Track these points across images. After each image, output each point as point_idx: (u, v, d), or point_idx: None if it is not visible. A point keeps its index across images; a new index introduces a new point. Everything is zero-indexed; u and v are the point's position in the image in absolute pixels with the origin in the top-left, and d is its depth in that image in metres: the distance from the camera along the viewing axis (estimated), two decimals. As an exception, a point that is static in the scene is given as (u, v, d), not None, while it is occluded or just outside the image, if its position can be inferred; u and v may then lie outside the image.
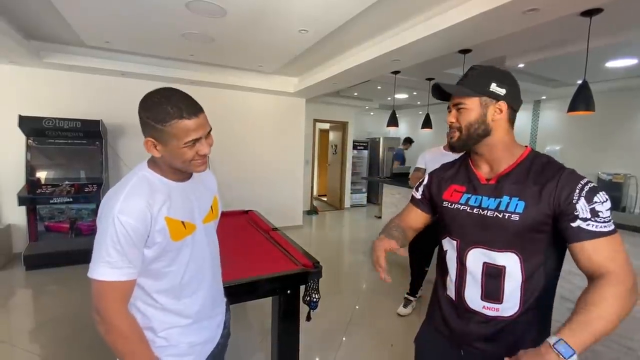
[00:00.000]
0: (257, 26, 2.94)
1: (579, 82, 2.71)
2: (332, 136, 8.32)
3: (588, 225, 0.79)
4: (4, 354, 2.27)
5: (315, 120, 7.09)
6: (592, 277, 0.80)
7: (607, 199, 0.81)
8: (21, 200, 3.52)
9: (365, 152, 8.28)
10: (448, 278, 1.01)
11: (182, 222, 0.94)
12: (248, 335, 2.55)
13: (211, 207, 1.09)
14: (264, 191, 5.52)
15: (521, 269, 0.87)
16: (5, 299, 3.08)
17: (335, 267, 4.10)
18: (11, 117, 3.63)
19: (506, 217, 0.87)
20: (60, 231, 3.78)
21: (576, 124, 5.74)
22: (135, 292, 0.91)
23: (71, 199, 3.72)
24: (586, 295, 0.76)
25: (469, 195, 0.97)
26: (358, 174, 8.07)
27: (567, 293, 2.18)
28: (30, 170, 3.69)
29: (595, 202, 0.79)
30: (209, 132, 0.92)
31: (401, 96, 6.86)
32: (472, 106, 0.91)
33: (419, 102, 7.67)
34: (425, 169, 2.82)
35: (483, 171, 0.97)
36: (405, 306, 2.96)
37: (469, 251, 0.94)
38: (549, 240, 0.86)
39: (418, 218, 1.15)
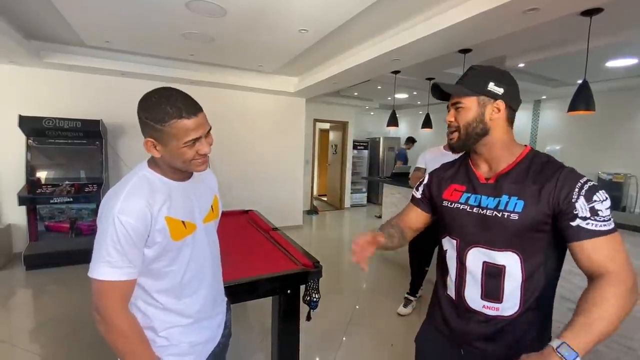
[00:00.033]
0: (257, 26, 2.94)
1: (579, 81, 2.71)
2: (332, 136, 8.32)
3: (588, 224, 0.79)
4: (4, 353, 2.27)
5: (316, 120, 7.09)
6: (592, 277, 0.80)
7: (606, 198, 0.81)
8: (21, 200, 3.52)
9: (366, 152, 8.28)
10: (448, 277, 1.01)
11: (183, 222, 0.94)
12: (248, 335, 2.55)
13: (212, 206, 1.09)
14: (264, 191, 5.52)
15: (521, 268, 0.87)
16: (5, 298, 3.08)
17: (336, 267, 4.10)
18: (11, 117, 3.63)
19: (505, 216, 0.87)
20: (61, 231, 3.78)
21: (576, 124, 5.74)
22: (136, 292, 0.91)
23: (71, 199, 3.72)
24: (587, 295, 0.76)
25: (469, 195, 0.97)
26: (358, 174, 8.07)
27: (567, 293, 2.18)
28: (30, 170, 3.69)
29: (595, 200, 0.79)
30: (208, 131, 0.92)
31: (401, 96, 6.86)
32: (470, 105, 0.92)
33: (419, 102, 7.67)
34: (425, 169, 2.82)
35: (482, 170, 0.97)
36: (405, 306, 2.96)
37: (468, 250, 0.94)
38: (549, 239, 0.86)
39: (418, 218, 1.15)
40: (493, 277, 0.90)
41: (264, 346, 2.38)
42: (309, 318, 1.76)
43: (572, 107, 2.68)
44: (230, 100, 5.14)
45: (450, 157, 1.13)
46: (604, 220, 0.79)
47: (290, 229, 5.40)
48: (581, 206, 0.79)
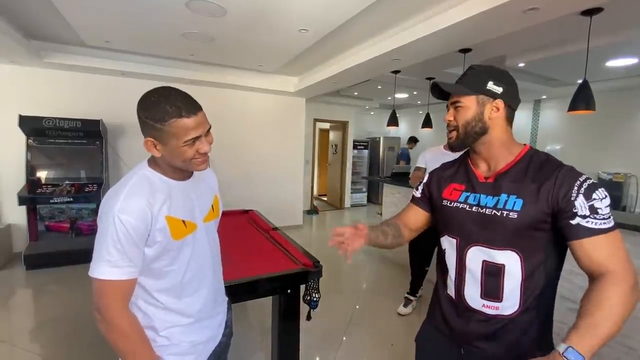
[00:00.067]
0: (257, 26, 2.94)
1: (579, 81, 2.71)
2: (332, 136, 8.32)
3: (587, 222, 0.79)
4: (4, 353, 2.28)
5: (316, 120, 7.09)
6: (593, 276, 0.80)
7: (606, 196, 0.80)
8: (21, 200, 3.52)
9: (366, 152, 8.28)
10: (448, 277, 1.01)
11: (183, 221, 0.94)
12: (248, 334, 2.55)
13: (212, 206, 1.09)
14: (264, 191, 5.52)
15: (521, 267, 0.87)
16: (5, 298, 3.08)
17: (336, 267, 4.10)
18: (11, 116, 3.63)
19: (504, 214, 0.87)
20: (61, 231, 3.78)
21: (576, 124, 5.73)
22: (137, 291, 0.91)
23: (71, 199, 3.72)
24: (590, 296, 0.76)
25: (468, 194, 0.97)
26: (358, 174, 8.07)
27: (567, 293, 2.18)
28: (30, 169, 3.70)
29: (594, 198, 0.79)
30: (208, 130, 0.92)
31: (401, 95, 6.86)
32: (469, 104, 0.92)
33: (419, 102, 7.67)
34: (425, 168, 2.82)
35: (481, 170, 0.98)
36: (405, 306, 2.96)
37: (468, 249, 0.94)
38: (548, 238, 0.86)
39: (417, 217, 1.15)
40: (492, 276, 0.90)
41: (264, 346, 2.38)
42: (309, 318, 1.76)
43: (572, 107, 2.68)
44: (230, 100, 5.14)
45: (451, 156, 1.13)
46: (603, 218, 0.79)
47: (291, 229, 5.40)
48: (580, 204, 0.79)
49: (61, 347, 2.33)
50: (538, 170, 0.87)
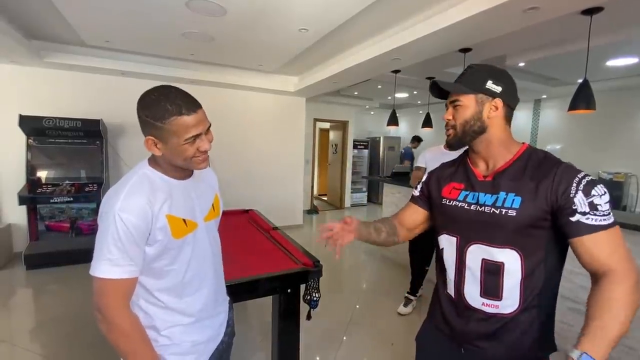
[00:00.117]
0: (257, 25, 2.94)
1: (580, 80, 2.71)
2: (333, 135, 8.32)
3: (588, 219, 0.79)
4: (5, 353, 2.28)
5: (316, 120, 7.09)
6: (596, 275, 0.80)
7: (605, 192, 0.80)
8: (22, 200, 3.52)
9: (366, 152, 8.28)
10: (447, 276, 1.02)
11: (184, 220, 0.94)
12: (248, 334, 2.56)
13: (212, 205, 1.09)
14: (264, 190, 5.52)
15: (521, 265, 0.87)
16: (5, 298, 3.08)
17: (336, 266, 4.10)
18: (12, 116, 3.64)
19: (503, 212, 0.87)
20: (61, 230, 3.78)
21: (577, 123, 5.73)
22: (138, 291, 0.91)
23: (71, 199, 3.73)
24: (596, 298, 0.76)
25: (467, 193, 0.97)
26: (358, 173, 8.07)
27: (567, 292, 2.18)
28: (30, 169, 3.70)
29: (594, 195, 0.79)
30: (208, 128, 0.92)
31: (401, 95, 6.85)
32: (468, 103, 0.92)
33: (419, 101, 7.67)
34: (425, 168, 2.82)
35: (480, 168, 0.98)
36: (405, 305, 2.96)
37: (468, 248, 0.94)
38: (548, 236, 0.86)
39: (415, 215, 1.16)
40: (492, 274, 0.90)
41: (264, 345, 2.38)
42: (309, 317, 1.76)
43: (573, 106, 2.68)
44: (231, 100, 5.14)
45: (451, 156, 1.13)
46: (603, 215, 0.78)
47: (291, 229, 5.40)
48: (580, 201, 0.79)
49: (61, 347, 2.33)
50: (536, 168, 0.87)
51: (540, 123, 6.39)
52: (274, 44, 3.48)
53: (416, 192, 1.17)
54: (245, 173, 5.35)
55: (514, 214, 0.85)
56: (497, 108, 0.91)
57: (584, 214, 0.79)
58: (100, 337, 0.89)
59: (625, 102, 5.18)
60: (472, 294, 0.94)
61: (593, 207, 0.79)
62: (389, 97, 7.04)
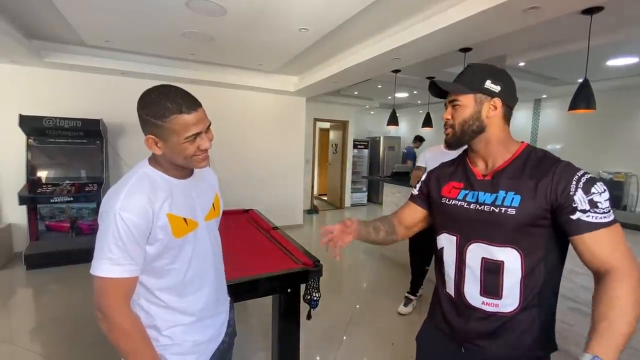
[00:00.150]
0: (257, 25, 2.94)
1: (580, 80, 2.71)
2: (333, 135, 8.32)
3: (588, 216, 0.78)
4: (5, 353, 2.28)
5: (316, 119, 7.09)
6: (598, 273, 0.80)
7: (605, 190, 0.80)
8: (22, 200, 3.52)
9: (366, 151, 8.28)
10: (447, 275, 1.02)
11: (184, 219, 0.94)
12: (248, 334, 2.56)
13: (213, 204, 1.10)
14: (264, 190, 5.52)
15: (521, 264, 0.87)
16: (6, 298, 3.08)
17: (336, 266, 4.10)
18: (12, 116, 3.64)
19: (502, 211, 0.87)
20: (61, 230, 3.78)
21: (577, 123, 5.73)
22: (139, 290, 0.92)
23: (72, 198, 3.73)
24: (600, 298, 0.75)
25: (466, 192, 0.98)
26: (358, 173, 8.07)
27: (568, 292, 2.18)
28: (30, 169, 3.70)
29: (593, 192, 0.79)
30: (208, 127, 0.92)
31: (402, 95, 6.85)
32: (467, 103, 0.93)
33: (419, 101, 7.66)
34: (425, 168, 2.82)
35: (479, 168, 0.98)
36: (405, 305, 2.96)
37: (468, 246, 0.95)
38: (548, 235, 0.86)
39: (413, 214, 1.16)
40: (492, 273, 0.90)
41: (264, 345, 2.38)
42: (309, 317, 1.76)
43: (573, 106, 2.67)
44: (231, 100, 5.14)
45: (451, 155, 1.13)
46: (604, 212, 0.78)
47: (291, 228, 5.40)
48: (580, 199, 0.79)
49: (62, 347, 2.33)
50: (535, 167, 0.87)
51: (541, 123, 6.39)
52: (274, 44, 3.48)
53: (415, 191, 1.17)
54: (245, 173, 5.35)
55: (514, 212, 0.85)
56: (495, 107, 0.91)
57: (584, 211, 0.79)
58: (100, 337, 0.89)
59: (626, 102, 5.18)
60: (472, 293, 0.94)
61: (593, 204, 0.79)
62: (389, 97, 7.04)
